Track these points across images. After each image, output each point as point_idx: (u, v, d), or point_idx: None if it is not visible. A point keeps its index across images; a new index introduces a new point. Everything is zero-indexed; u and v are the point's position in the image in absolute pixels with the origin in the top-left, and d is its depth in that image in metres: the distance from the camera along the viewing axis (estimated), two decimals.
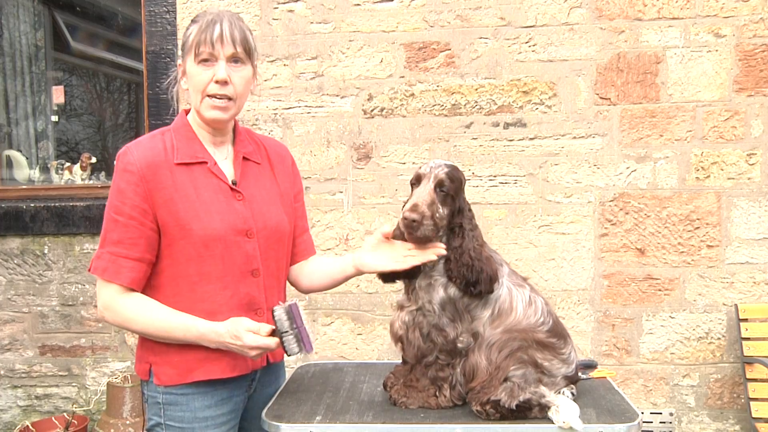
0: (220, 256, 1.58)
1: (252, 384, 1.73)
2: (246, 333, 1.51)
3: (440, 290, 1.59)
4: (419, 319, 1.60)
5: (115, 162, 1.61)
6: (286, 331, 1.50)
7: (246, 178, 1.68)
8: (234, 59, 1.59)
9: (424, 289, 1.61)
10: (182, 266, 1.58)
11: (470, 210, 1.64)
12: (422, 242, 1.58)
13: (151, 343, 1.63)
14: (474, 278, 1.54)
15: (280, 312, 1.51)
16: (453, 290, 1.58)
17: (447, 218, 1.57)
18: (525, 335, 1.56)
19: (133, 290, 1.58)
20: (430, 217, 1.53)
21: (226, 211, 1.60)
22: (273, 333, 1.52)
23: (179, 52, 1.65)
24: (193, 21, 1.61)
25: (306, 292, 1.88)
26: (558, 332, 1.60)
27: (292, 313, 1.50)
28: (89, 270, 1.61)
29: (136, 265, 1.56)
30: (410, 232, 1.54)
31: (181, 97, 1.71)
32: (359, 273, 1.72)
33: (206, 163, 1.62)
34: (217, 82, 1.57)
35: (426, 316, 1.59)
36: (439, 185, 1.56)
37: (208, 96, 1.59)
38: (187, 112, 1.69)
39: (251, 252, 1.62)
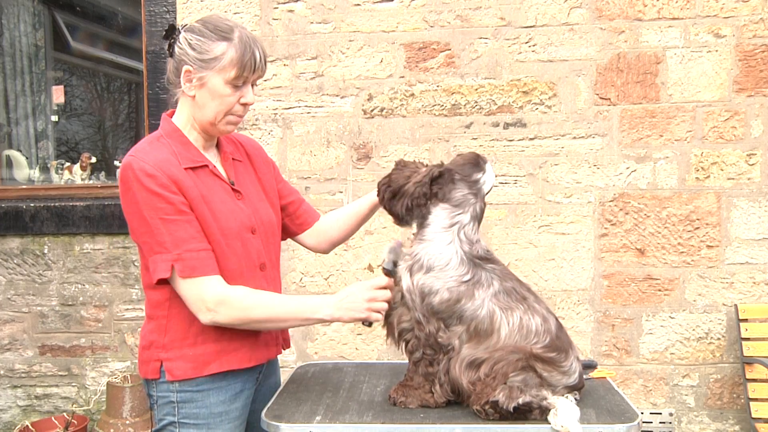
0: (239, 253, 1.63)
1: (259, 377, 1.76)
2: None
3: (407, 276, 1.60)
4: (405, 314, 1.61)
5: (123, 173, 1.54)
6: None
7: (238, 178, 1.72)
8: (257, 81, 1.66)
9: (400, 277, 1.63)
10: None
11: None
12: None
13: (161, 341, 1.62)
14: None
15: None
16: (417, 277, 1.59)
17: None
18: (522, 348, 1.54)
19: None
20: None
21: (235, 210, 1.64)
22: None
23: (188, 60, 1.58)
24: (219, 36, 1.57)
25: (329, 247, 1.94)
26: (557, 346, 1.57)
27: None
28: (167, 278, 1.52)
29: (213, 254, 1.57)
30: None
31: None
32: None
33: (207, 166, 1.64)
34: (245, 105, 1.63)
35: (410, 310, 1.60)
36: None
37: (230, 114, 1.63)
38: (170, 114, 1.68)
39: (258, 247, 1.68)
